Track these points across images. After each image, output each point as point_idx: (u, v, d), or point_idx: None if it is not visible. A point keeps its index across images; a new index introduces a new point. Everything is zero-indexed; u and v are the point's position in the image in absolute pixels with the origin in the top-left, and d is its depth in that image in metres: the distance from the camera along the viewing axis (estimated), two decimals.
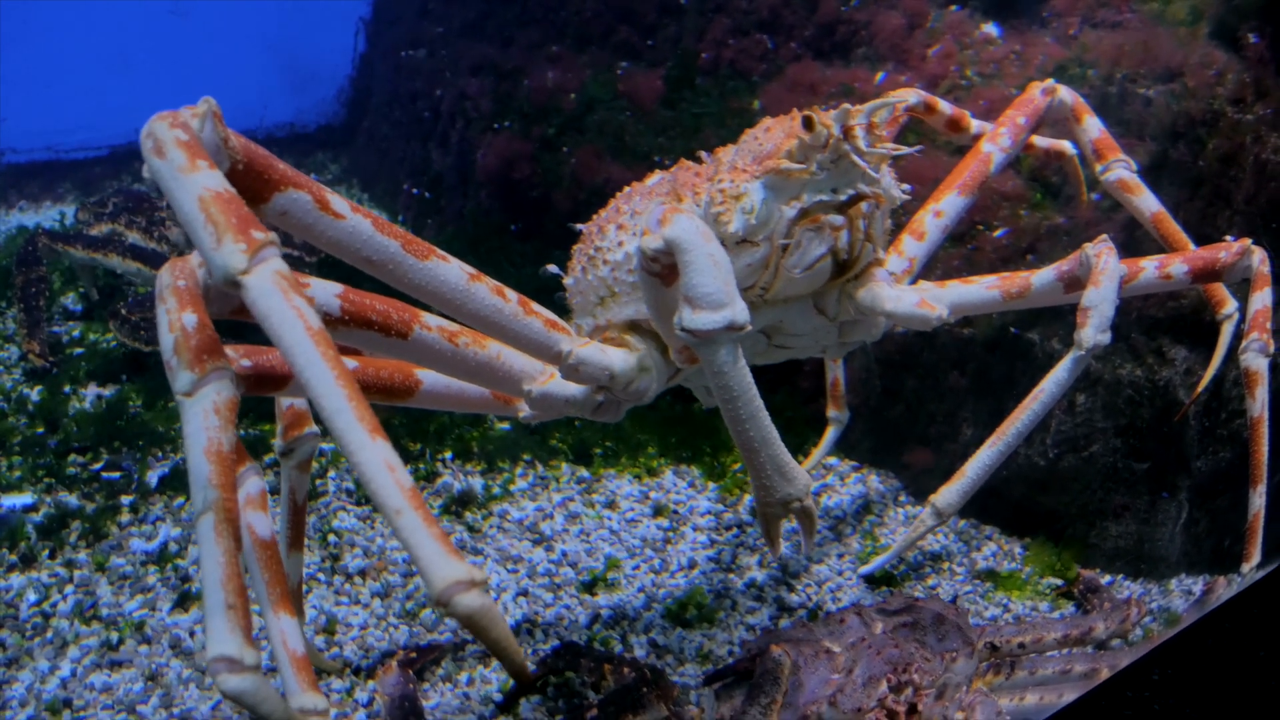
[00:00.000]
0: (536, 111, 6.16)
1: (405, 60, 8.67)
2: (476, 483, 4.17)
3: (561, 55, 6.38)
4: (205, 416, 1.89)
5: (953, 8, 4.60)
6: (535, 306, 2.48)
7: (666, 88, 5.61)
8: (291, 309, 1.59)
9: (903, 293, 2.66)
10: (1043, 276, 2.91)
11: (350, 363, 2.64)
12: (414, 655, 3.03)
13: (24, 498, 4.05)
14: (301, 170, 2.10)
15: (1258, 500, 3.18)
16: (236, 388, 2.03)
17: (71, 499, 4.05)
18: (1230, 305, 3.39)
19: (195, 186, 1.74)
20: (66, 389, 5.00)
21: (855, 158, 2.45)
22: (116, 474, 4.25)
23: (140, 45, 12.35)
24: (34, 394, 4.97)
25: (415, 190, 7.86)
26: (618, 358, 2.61)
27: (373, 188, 9.24)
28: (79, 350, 5.48)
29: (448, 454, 4.40)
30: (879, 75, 4.71)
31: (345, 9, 10.38)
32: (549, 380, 2.63)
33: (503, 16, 7.17)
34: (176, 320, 2.01)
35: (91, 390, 5.05)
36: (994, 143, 3.26)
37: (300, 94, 10.85)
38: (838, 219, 2.47)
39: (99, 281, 6.10)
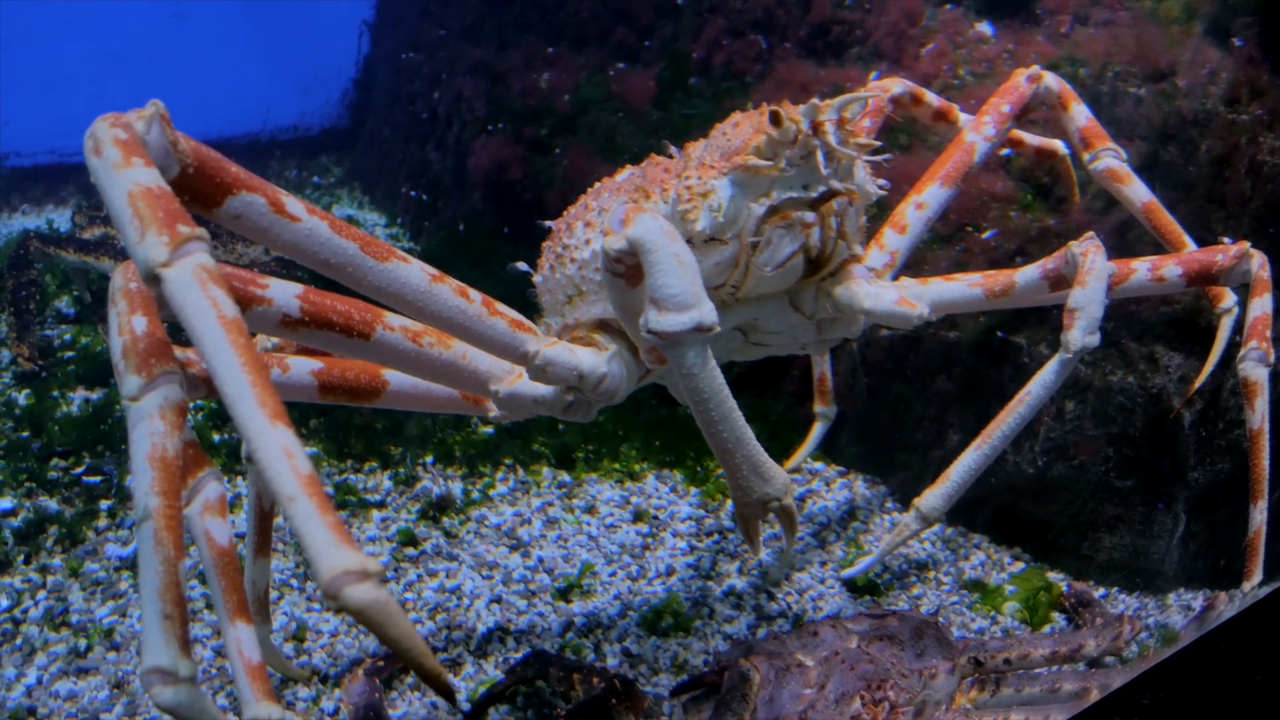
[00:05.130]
0: (529, 113, 6.11)
1: (405, 62, 8.64)
2: (456, 487, 4.10)
3: (558, 57, 6.33)
4: (150, 421, 1.88)
5: (947, 6, 4.51)
6: (500, 307, 2.43)
7: (659, 88, 5.55)
8: (206, 298, 1.54)
9: (882, 290, 2.58)
10: (1027, 274, 2.83)
11: (316, 363, 2.61)
12: (381, 663, 2.97)
13: (4, 502, 4.02)
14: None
15: (1258, 516, 3.07)
16: (187, 392, 2.00)
17: (51, 504, 4.01)
18: (1229, 299, 3.27)
19: (126, 182, 1.70)
20: (55, 393, 4.96)
21: (824, 154, 2.38)
22: (97, 478, 4.20)
23: (143, 48, 12.38)
24: (21, 398, 4.94)
25: (413, 193, 7.82)
26: (586, 358, 2.54)
27: (374, 190, 9.20)
28: (70, 354, 5.44)
29: (429, 458, 4.33)
30: (872, 74, 4.61)
31: (349, 11, 10.37)
32: (516, 380, 2.58)
33: (500, 18, 7.12)
34: (126, 324, 2.00)
35: (80, 394, 5.01)
36: (977, 131, 3.16)
37: (304, 96, 10.82)
38: (809, 216, 2.41)
39: (92, 285, 6.08)
